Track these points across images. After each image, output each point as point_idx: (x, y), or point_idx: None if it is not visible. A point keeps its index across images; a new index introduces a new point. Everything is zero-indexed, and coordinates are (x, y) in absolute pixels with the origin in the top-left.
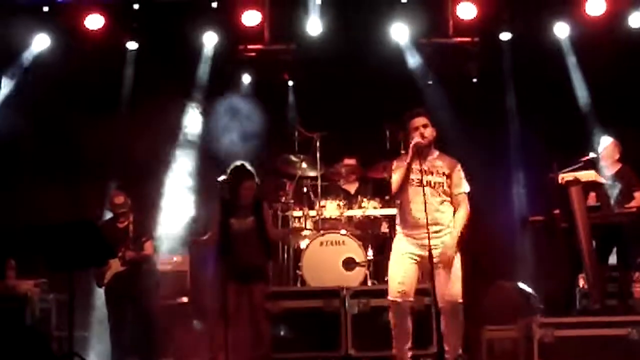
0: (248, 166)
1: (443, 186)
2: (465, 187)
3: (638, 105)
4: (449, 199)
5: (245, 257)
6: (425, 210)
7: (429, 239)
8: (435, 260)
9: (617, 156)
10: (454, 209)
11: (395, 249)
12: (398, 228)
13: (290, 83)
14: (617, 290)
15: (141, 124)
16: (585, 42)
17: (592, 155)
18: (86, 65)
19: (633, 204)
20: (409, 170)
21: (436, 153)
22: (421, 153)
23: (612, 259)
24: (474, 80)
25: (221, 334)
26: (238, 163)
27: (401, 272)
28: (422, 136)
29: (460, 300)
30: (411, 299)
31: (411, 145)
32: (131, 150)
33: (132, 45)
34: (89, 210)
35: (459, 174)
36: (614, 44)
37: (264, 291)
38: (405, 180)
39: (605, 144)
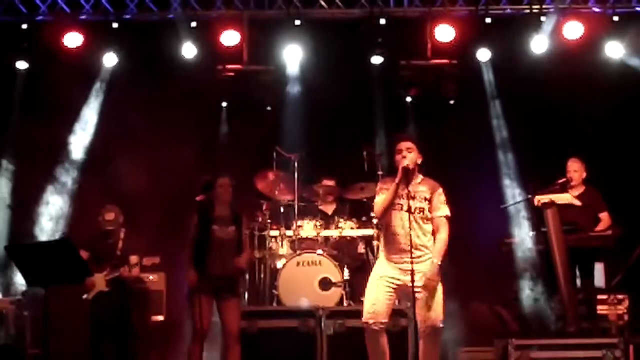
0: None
1: (424, 211)
2: (445, 211)
3: (612, 130)
4: (429, 224)
5: (221, 266)
6: (409, 235)
7: (412, 260)
8: (417, 285)
9: (584, 176)
10: (434, 232)
11: (374, 272)
12: (381, 252)
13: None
14: (585, 312)
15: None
16: (562, 64)
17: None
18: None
19: (600, 226)
20: (395, 193)
21: (420, 177)
22: (406, 177)
23: None
24: (451, 102)
25: (196, 351)
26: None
27: (374, 295)
28: (404, 159)
29: (441, 325)
30: (383, 321)
31: (400, 168)
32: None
33: (109, 61)
34: None
35: (440, 197)
36: (590, 67)
37: (238, 311)
38: (390, 204)
39: (573, 163)
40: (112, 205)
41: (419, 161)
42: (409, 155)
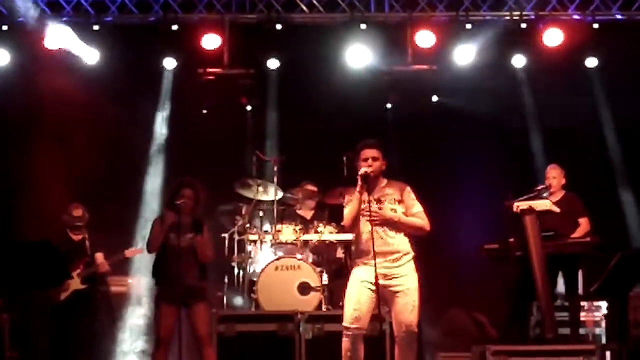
0: (191, 179)
1: (397, 212)
2: (419, 207)
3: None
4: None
5: (182, 276)
6: (373, 240)
7: (375, 267)
8: (394, 289)
9: (563, 182)
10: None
11: (352, 276)
12: (357, 257)
13: (249, 107)
14: (567, 319)
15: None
16: (541, 72)
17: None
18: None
19: (579, 231)
20: (360, 201)
21: (385, 182)
22: (368, 184)
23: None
24: (434, 98)
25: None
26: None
27: (355, 299)
28: (369, 167)
29: (416, 330)
30: (365, 326)
31: (358, 175)
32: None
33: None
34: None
35: (410, 195)
36: (569, 75)
37: (206, 313)
38: (357, 213)
39: (552, 170)
40: (77, 203)
41: (383, 167)
42: (374, 164)
